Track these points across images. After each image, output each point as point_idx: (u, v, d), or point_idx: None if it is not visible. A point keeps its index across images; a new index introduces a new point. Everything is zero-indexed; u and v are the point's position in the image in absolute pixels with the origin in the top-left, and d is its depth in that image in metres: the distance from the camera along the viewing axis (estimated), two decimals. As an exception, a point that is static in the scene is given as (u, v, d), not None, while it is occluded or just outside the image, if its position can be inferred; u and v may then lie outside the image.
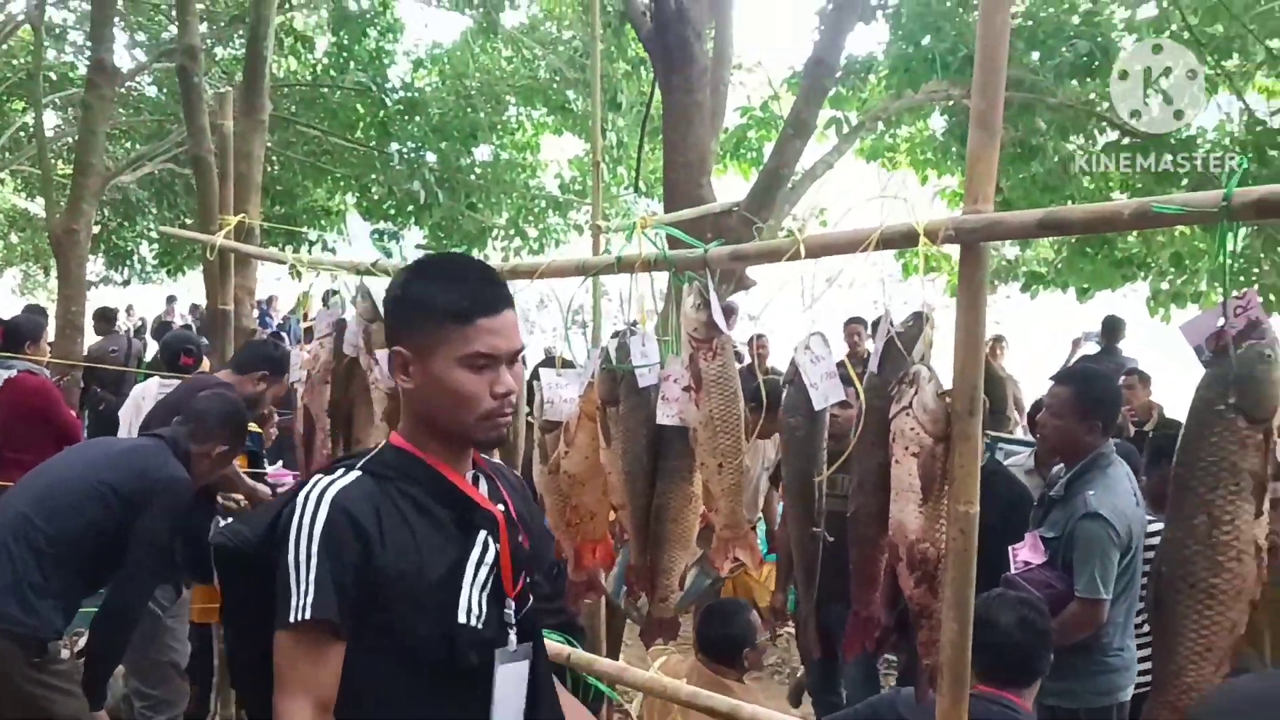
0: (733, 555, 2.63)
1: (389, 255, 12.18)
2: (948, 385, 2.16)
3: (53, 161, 12.63)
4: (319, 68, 13.40)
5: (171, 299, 16.40)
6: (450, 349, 1.70)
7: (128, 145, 14.18)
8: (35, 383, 5.72)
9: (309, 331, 4.12)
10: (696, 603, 4.82)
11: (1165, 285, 8.76)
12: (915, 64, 7.40)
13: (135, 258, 16.07)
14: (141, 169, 12.51)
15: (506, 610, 1.79)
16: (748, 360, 8.41)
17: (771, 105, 10.96)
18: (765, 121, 10.81)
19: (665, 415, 2.62)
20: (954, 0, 7.77)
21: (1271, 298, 7.82)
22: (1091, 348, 9.61)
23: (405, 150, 12.70)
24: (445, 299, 1.71)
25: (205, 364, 6.18)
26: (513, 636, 1.79)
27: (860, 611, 2.35)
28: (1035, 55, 7.57)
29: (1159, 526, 2.85)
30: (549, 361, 4.76)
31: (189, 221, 12.88)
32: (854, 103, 9.67)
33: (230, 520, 3.84)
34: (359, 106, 12.88)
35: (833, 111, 8.84)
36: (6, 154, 14.06)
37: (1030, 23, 7.66)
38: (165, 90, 13.34)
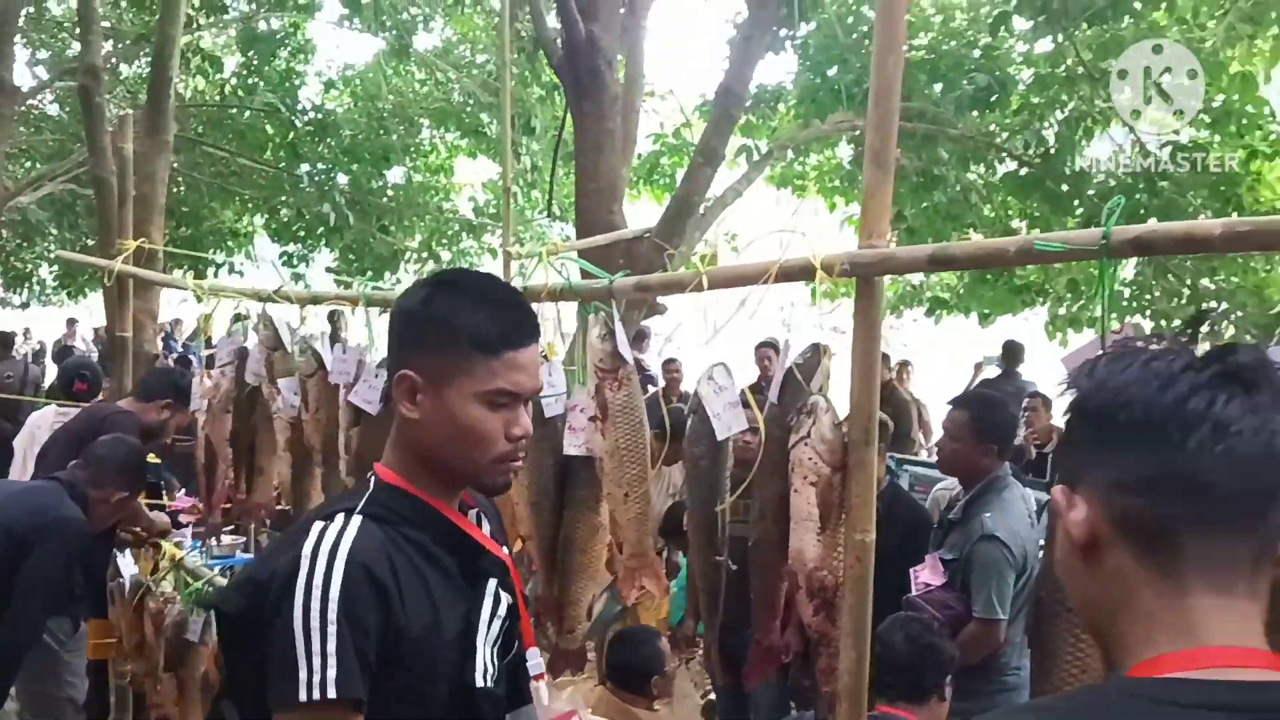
0: (639, 584, 2.64)
1: (299, 278, 12.00)
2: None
3: (-52, 181, 12.20)
4: (227, 88, 13.18)
5: (72, 322, 15.91)
6: (471, 381, 1.52)
7: (27, 165, 13.77)
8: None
9: (211, 359, 4.05)
10: (603, 631, 4.81)
11: (1062, 310, 9.05)
12: (822, 95, 7.58)
13: (35, 280, 15.59)
14: (42, 189, 12.16)
15: (527, 664, 1.66)
16: (662, 384, 8.46)
17: (684, 132, 11.10)
18: (678, 148, 10.96)
19: (572, 445, 2.63)
20: (860, 34, 7.97)
21: (1163, 323, 8.13)
22: (992, 371, 9.88)
23: (315, 172, 12.54)
24: (473, 324, 1.52)
25: (104, 391, 6.01)
26: (532, 693, 1.68)
27: (762, 640, 2.37)
28: (938, 87, 7.80)
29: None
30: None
31: (90, 243, 12.53)
32: (764, 131, 9.85)
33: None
34: (268, 127, 12.69)
35: (744, 139, 9.00)
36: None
37: (932, 56, 7.89)
38: (67, 109, 12.99)
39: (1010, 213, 8.95)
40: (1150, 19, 7.68)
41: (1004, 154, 7.99)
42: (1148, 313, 8.02)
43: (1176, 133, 7.84)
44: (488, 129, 12.65)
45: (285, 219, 13.12)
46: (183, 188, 12.87)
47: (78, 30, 8.96)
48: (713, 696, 5.59)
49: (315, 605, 1.41)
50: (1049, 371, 9.28)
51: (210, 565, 6.04)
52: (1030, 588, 3.61)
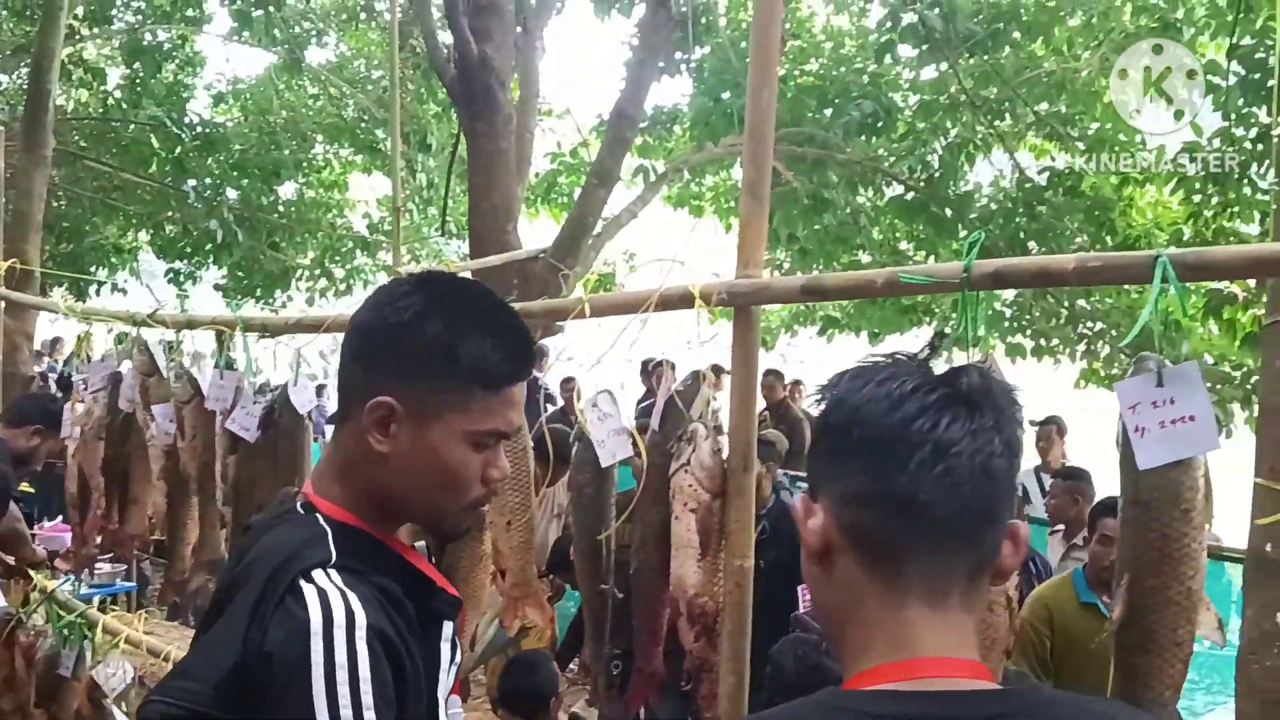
0: (523, 614, 2.63)
1: (185, 297, 11.66)
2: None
3: None
4: (111, 100, 12.78)
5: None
6: (465, 419, 1.32)
7: (-106, 177, 13.11)
8: None
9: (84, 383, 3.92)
10: (495, 657, 4.77)
11: (948, 330, 9.28)
12: (716, 118, 7.68)
13: (-100, 298, 14.82)
14: (-90, 203, 11.58)
15: (448, 712, 1.43)
16: (560, 403, 8.44)
17: (581, 151, 11.14)
18: (575, 167, 10.99)
19: (454, 473, 2.60)
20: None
21: (1043, 342, 8.44)
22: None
23: (203, 187, 12.22)
24: (479, 353, 1.32)
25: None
26: None
27: (644, 666, 2.38)
28: (828, 113, 7.98)
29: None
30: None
31: (-39, 260, 12.00)
32: (660, 152, 9.95)
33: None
34: (154, 141, 12.34)
35: (641, 160, 9.08)
36: None
37: (822, 82, 8.07)
38: (-64, 121, 12.44)
39: (898, 235, 9.19)
40: (1029, 49, 7.99)
41: (891, 178, 8.20)
42: (1028, 332, 8.31)
43: (1053, 159, 8.16)
44: (382, 145, 12.51)
45: (171, 235, 12.75)
46: (64, 203, 12.42)
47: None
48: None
49: (344, 692, 1.17)
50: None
51: (87, 595, 5.84)
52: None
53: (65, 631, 3.71)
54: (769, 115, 2.18)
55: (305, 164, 13.02)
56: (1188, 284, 1.63)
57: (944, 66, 7.72)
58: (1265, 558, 2.18)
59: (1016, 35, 7.65)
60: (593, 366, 2.59)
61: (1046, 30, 7.72)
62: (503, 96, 6.67)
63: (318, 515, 1.33)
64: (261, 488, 2.94)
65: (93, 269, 12.88)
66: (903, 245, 9.15)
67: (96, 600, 5.86)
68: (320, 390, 7.79)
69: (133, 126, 12.34)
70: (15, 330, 4.73)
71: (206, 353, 3.60)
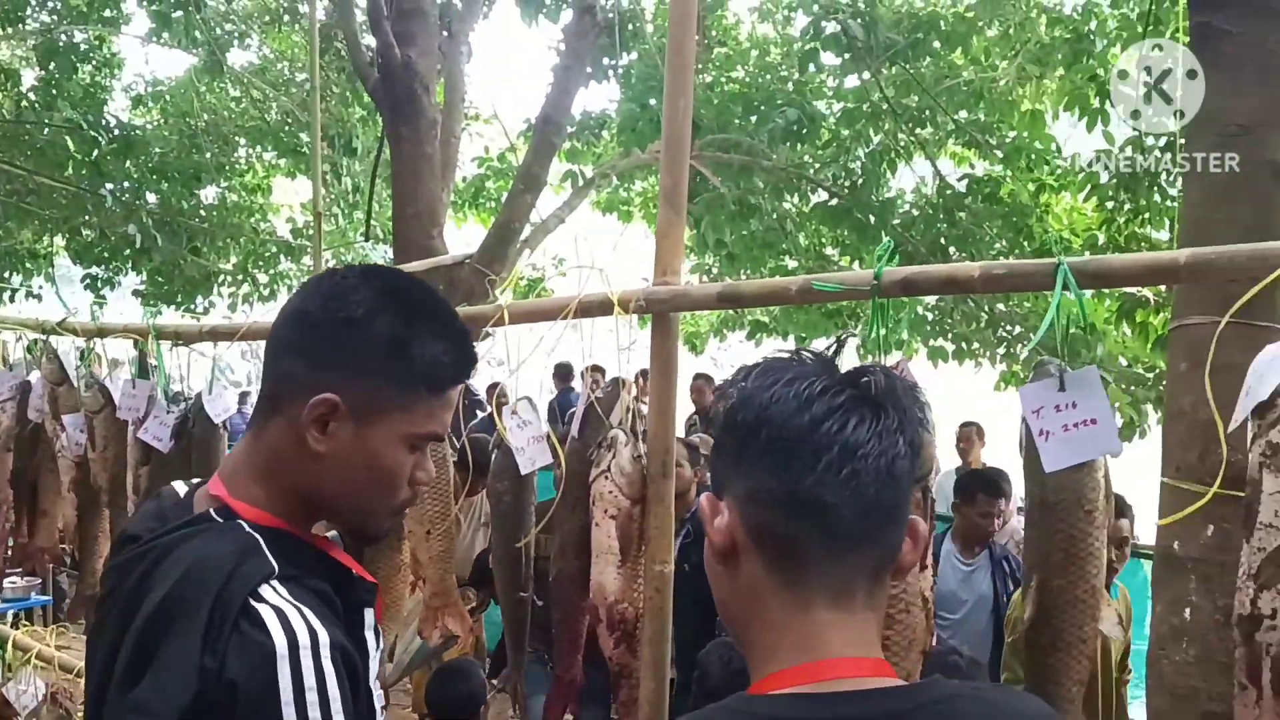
0: (443, 624, 2.61)
1: (102, 303, 11.39)
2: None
3: None
4: (24, 102, 12.42)
5: None
6: (408, 420, 1.28)
7: None
8: None
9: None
10: (422, 666, 4.72)
11: (872, 334, 9.41)
12: (643, 124, 7.70)
13: None
14: None
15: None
16: (490, 409, 8.38)
17: (509, 156, 11.10)
18: (503, 172, 10.94)
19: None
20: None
21: (964, 345, 8.59)
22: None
23: (121, 191, 11.93)
24: (430, 355, 1.29)
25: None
26: None
27: (563, 674, 2.38)
28: (753, 119, 8.05)
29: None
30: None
31: None
32: (589, 157, 9.95)
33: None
34: (70, 143, 12.01)
35: (569, 165, 9.07)
36: None
37: (748, 89, 8.14)
38: None
39: (824, 241, 9.29)
40: (948, 59, 8.14)
41: (815, 185, 8.29)
42: (950, 336, 8.46)
43: (973, 166, 8.32)
44: (306, 148, 12.33)
45: (88, 240, 12.43)
46: (-27, 206, 12.06)
47: None
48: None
49: (315, 715, 1.14)
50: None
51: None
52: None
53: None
54: (685, 126, 2.21)
55: (227, 167, 12.78)
56: (1086, 291, 1.68)
57: (866, 75, 7.83)
58: (1172, 554, 2.25)
59: (936, 45, 7.80)
60: (512, 373, 2.59)
61: (965, 40, 7.87)
62: (427, 101, 6.62)
63: (241, 522, 1.26)
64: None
65: (6, 275, 12.52)
66: (828, 250, 9.25)
67: (11, 615, 5.69)
68: (244, 398, 7.65)
69: (48, 129, 12.00)
70: (-80, 338, 4.57)
71: (125, 360, 3.52)
